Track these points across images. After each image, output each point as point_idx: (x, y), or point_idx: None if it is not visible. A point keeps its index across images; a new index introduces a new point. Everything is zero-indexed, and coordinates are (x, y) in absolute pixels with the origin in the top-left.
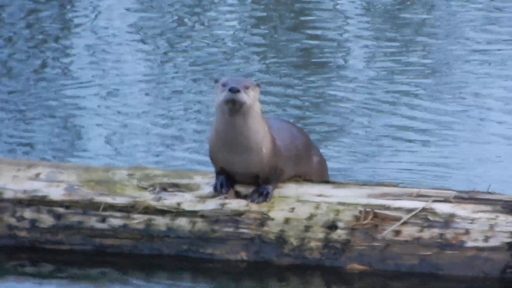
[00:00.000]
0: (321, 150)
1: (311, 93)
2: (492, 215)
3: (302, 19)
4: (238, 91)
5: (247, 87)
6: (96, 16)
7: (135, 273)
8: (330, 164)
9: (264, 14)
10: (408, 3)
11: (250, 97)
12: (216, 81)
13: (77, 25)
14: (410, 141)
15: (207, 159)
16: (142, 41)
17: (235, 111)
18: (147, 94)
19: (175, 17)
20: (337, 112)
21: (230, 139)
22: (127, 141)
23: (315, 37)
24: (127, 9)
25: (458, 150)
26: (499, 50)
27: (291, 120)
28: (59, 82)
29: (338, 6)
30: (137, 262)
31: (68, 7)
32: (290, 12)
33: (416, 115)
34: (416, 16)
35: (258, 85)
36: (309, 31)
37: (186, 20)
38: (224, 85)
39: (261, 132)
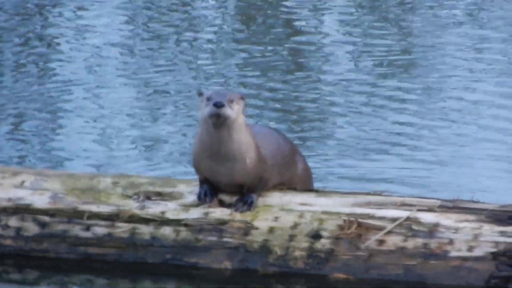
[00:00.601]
0: (306, 155)
1: (295, 97)
2: (477, 225)
3: (286, 22)
4: (222, 105)
5: (231, 101)
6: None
7: (120, 280)
8: (316, 169)
9: (249, 15)
10: (393, 4)
11: (234, 110)
12: (201, 94)
13: (60, 30)
14: (396, 145)
15: (191, 168)
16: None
17: (219, 125)
18: (134, 98)
19: (158, 19)
20: (323, 116)
21: (214, 150)
22: (113, 146)
23: (301, 42)
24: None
25: (444, 156)
26: (489, 52)
27: (276, 126)
28: (45, 84)
29: (323, 13)
30: (122, 269)
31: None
32: (274, 16)
33: (403, 120)
34: (403, 18)
35: (242, 98)
36: (295, 36)
37: (169, 20)
38: (208, 99)
39: (245, 143)
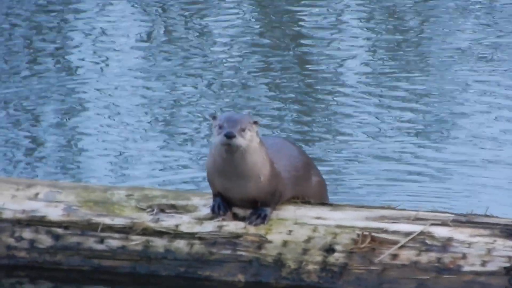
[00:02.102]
0: (321, 167)
1: (312, 107)
2: (490, 239)
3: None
4: (233, 136)
5: (243, 130)
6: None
7: None
8: (330, 180)
9: (263, 24)
10: (403, 10)
11: (246, 139)
12: (214, 117)
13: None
14: (409, 163)
15: (205, 182)
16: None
17: (231, 153)
18: (146, 113)
19: (174, 24)
20: (338, 126)
21: (227, 171)
22: (127, 159)
23: (312, 46)
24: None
25: (458, 169)
26: (503, 57)
27: (291, 137)
28: (60, 88)
29: (336, 17)
30: (135, 282)
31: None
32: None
33: (418, 132)
34: (414, 22)
35: (256, 122)
36: (305, 41)
37: (181, 27)
38: (220, 127)
39: (259, 162)
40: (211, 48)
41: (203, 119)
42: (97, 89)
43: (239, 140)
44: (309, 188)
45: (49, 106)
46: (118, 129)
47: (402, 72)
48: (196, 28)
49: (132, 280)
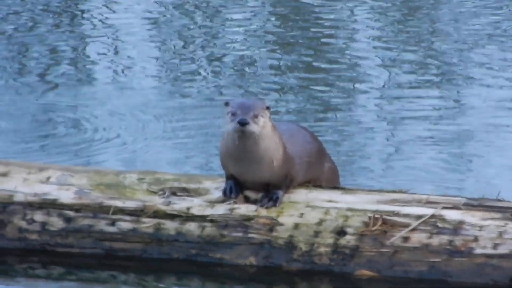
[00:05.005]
0: (333, 155)
1: (326, 97)
2: (501, 223)
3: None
4: (247, 123)
5: (256, 116)
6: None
7: (145, 276)
8: (343, 167)
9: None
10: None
11: (259, 125)
12: (227, 103)
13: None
14: (424, 145)
15: (216, 165)
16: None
17: (244, 139)
18: (161, 99)
19: (190, 20)
20: (351, 116)
21: (240, 155)
22: (140, 143)
23: (330, 37)
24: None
25: (470, 155)
26: None
27: (305, 125)
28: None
29: (352, 17)
30: (146, 265)
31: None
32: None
33: (431, 122)
34: (426, 23)
35: (268, 108)
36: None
37: (198, 20)
38: (233, 114)
39: (272, 146)
40: (227, 37)
41: (215, 105)
42: (109, 68)
43: (252, 127)
44: (321, 174)
45: (63, 90)
46: (130, 116)
47: (416, 49)
48: (211, 16)
49: (144, 263)
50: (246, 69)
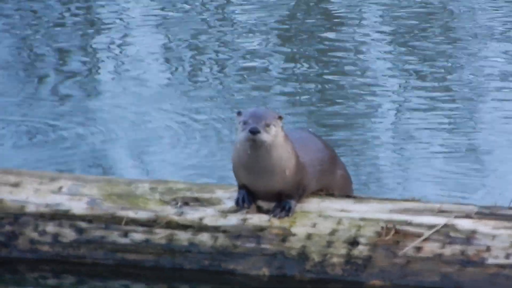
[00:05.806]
0: (346, 161)
1: (339, 108)
2: None
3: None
4: (258, 132)
5: (267, 125)
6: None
7: (157, 286)
8: (356, 174)
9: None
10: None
11: (271, 134)
12: (239, 113)
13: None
14: (435, 151)
15: (229, 174)
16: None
17: (256, 148)
18: (171, 103)
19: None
20: (364, 123)
21: (252, 165)
22: (151, 152)
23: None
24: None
25: (483, 162)
26: None
27: (318, 132)
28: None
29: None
30: (159, 275)
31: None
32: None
33: (445, 133)
34: (439, 27)
35: (280, 117)
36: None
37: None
38: (245, 123)
39: (284, 156)
40: (237, 40)
41: (226, 113)
42: (116, 73)
43: (264, 136)
44: (333, 182)
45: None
46: (142, 124)
47: (429, 56)
48: (219, 16)
49: (156, 274)
50: (261, 74)
